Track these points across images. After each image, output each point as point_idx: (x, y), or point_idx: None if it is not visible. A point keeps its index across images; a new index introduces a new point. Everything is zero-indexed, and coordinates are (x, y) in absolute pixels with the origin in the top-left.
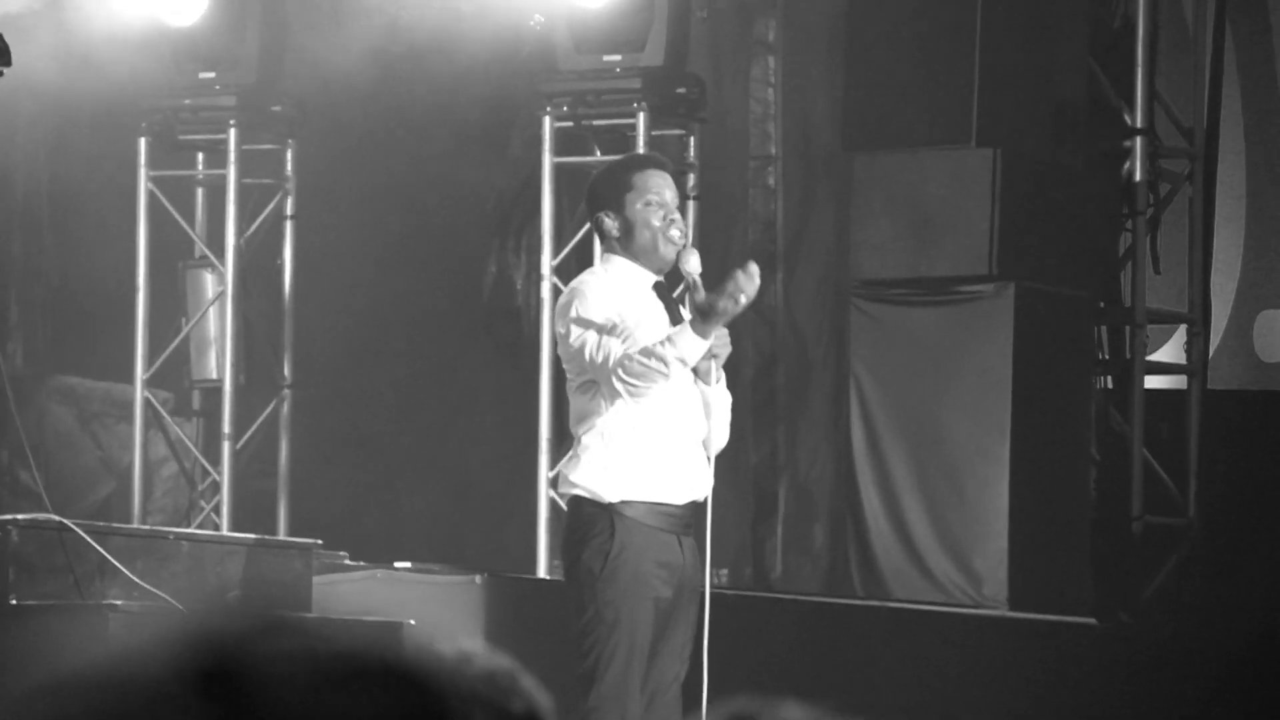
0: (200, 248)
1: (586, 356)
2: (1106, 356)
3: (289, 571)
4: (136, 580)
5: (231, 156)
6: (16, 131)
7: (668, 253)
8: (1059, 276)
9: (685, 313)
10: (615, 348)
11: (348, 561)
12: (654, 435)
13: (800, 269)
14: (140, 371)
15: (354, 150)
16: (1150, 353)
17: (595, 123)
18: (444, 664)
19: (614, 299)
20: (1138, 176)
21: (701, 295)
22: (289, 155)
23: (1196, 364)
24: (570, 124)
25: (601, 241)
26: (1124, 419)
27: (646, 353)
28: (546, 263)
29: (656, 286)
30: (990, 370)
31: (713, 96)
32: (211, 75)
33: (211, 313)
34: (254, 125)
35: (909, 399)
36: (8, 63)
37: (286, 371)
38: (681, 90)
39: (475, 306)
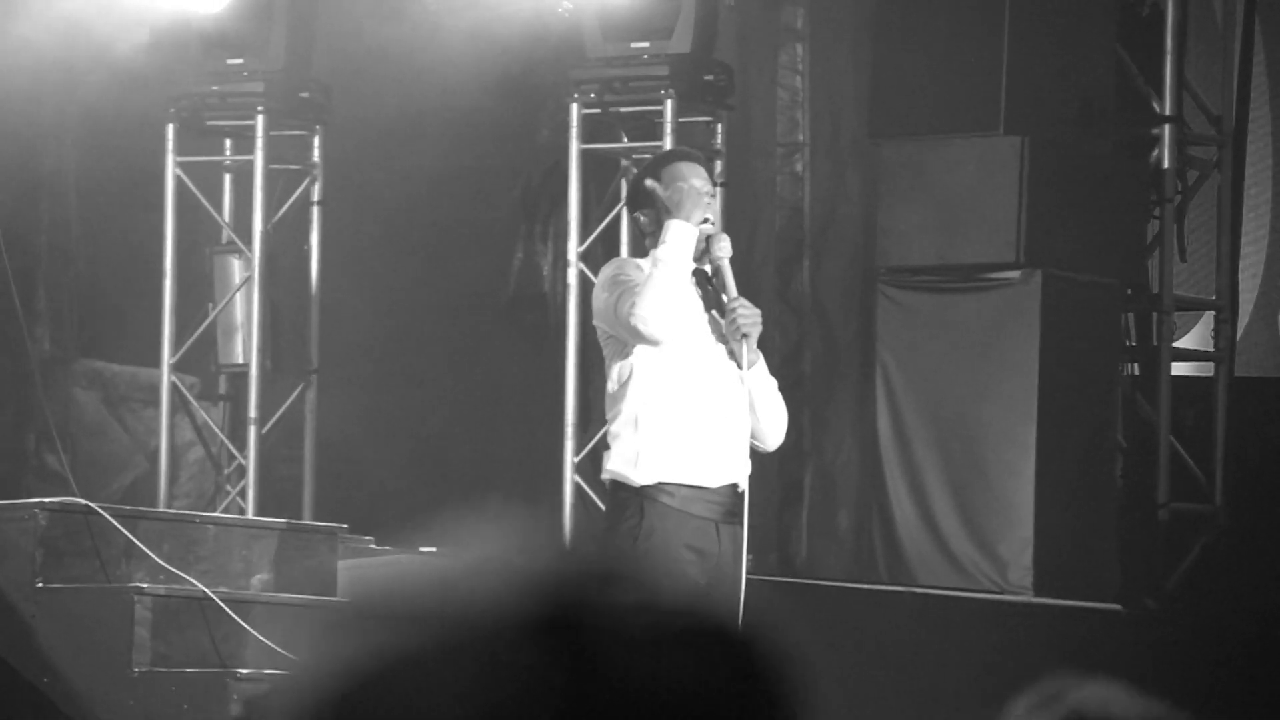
0: (228, 233)
1: (615, 312)
2: (1133, 343)
3: (314, 556)
4: (163, 564)
5: (259, 142)
6: (44, 118)
7: (696, 211)
8: (1086, 264)
9: (725, 298)
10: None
11: (373, 546)
12: (686, 419)
13: (827, 256)
14: (167, 356)
15: (381, 136)
16: (1176, 339)
17: (623, 110)
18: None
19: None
20: (1166, 164)
21: (729, 281)
22: (316, 141)
23: (1224, 351)
24: (598, 111)
25: (647, 240)
26: (1151, 406)
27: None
28: (573, 249)
29: (696, 274)
30: (1017, 357)
31: (740, 84)
32: (239, 61)
33: (238, 298)
34: (281, 111)
35: (935, 386)
36: None
37: (313, 356)
38: (709, 77)
39: (502, 292)
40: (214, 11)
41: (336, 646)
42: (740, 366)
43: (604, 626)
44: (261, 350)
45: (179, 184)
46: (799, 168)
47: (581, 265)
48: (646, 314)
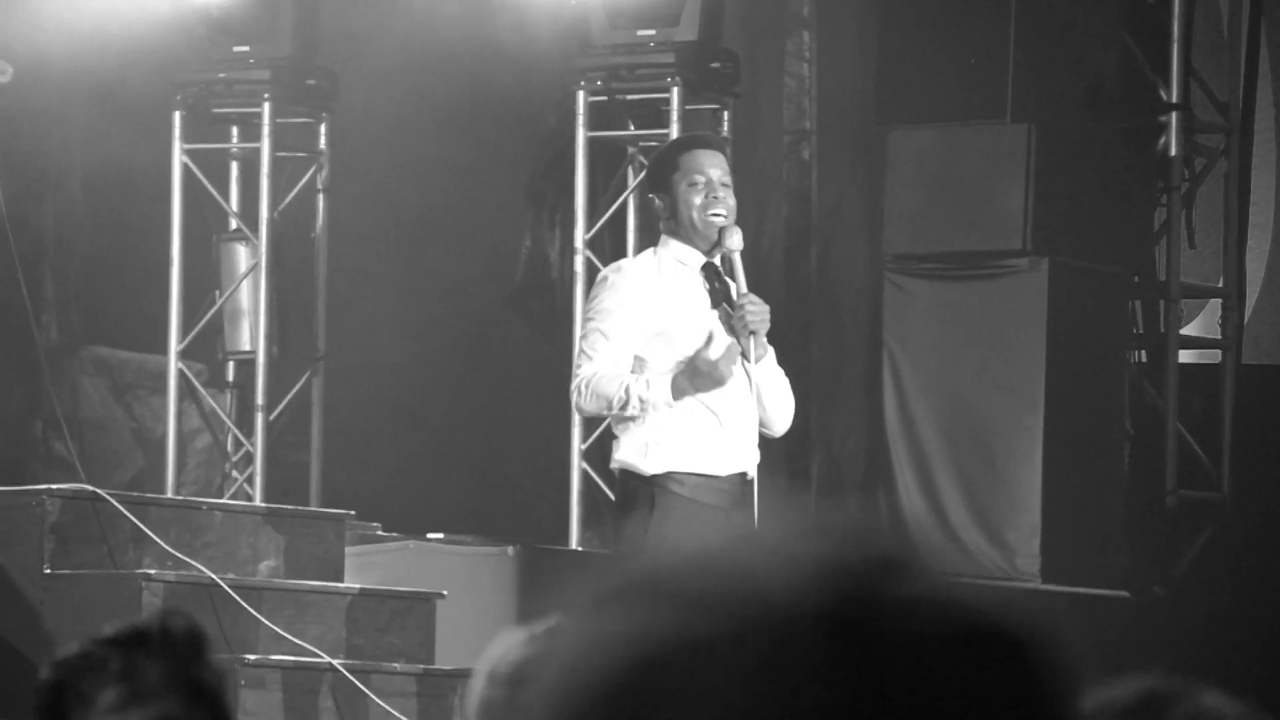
0: (234, 221)
1: (577, 361)
2: (1140, 331)
3: (322, 542)
4: (170, 550)
5: (266, 130)
6: (50, 106)
7: (709, 231)
8: (1093, 251)
9: (733, 292)
10: (588, 369)
11: (380, 533)
12: (696, 408)
13: (834, 243)
14: (174, 343)
15: (388, 124)
16: (1182, 327)
17: (629, 97)
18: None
19: (638, 292)
20: (1172, 151)
21: (740, 274)
22: (323, 129)
23: (1231, 338)
24: (604, 98)
25: (661, 224)
26: (1158, 393)
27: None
28: (580, 237)
29: (706, 267)
30: (1024, 344)
31: (747, 71)
32: (246, 49)
33: (245, 285)
34: (288, 99)
35: (942, 373)
36: None
37: (320, 344)
38: (715, 65)
39: (509, 280)
40: None
41: (616, 619)
42: (749, 361)
43: (891, 620)
44: (268, 337)
45: (185, 171)
46: (806, 155)
47: (588, 253)
48: (582, 406)
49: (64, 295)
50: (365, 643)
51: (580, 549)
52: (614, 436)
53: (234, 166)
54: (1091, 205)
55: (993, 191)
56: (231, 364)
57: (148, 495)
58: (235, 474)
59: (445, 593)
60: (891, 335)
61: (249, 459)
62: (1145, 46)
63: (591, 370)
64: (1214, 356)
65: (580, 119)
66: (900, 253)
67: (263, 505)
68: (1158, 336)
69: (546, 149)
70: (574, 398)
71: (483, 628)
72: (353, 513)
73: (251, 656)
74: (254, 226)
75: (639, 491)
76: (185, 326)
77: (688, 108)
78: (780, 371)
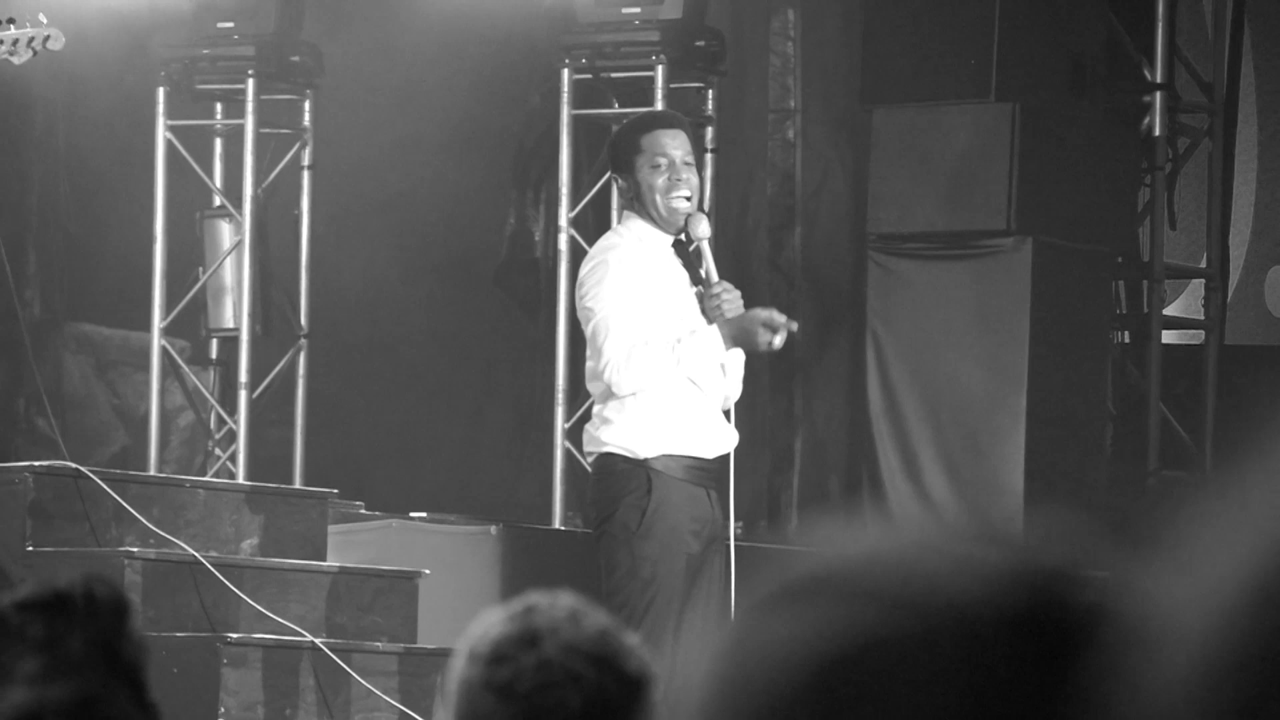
0: (218, 197)
1: (590, 337)
2: (1124, 311)
3: (304, 521)
4: (152, 528)
5: (250, 106)
6: (33, 82)
7: (674, 218)
8: (1077, 231)
9: (702, 273)
10: (617, 346)
11: (363, 511)
12: (683, 391)
13: (819, 223)
14: (157, 320)
15: (372, 101)
16: (1165, 307)
17: (614, 75)
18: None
19: (636, 271)
20: (1156, 131)
21: (709, 262)
22: (307, 105)
23: (1214, 319)
24: (589, 76)
25: (620, 200)
26: (1141, 373)
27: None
28: (564, 215)
29: (675, 245)
30: (1008, 324)
31: (732, 50)
32: (230, 25)
33: (229, 262)
34: (272, 75)
35: (926, 353)
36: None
37: (303, 321)
38: (700, 43)
39: (494, 258)
40: None
41: (806, 617)
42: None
43: (1074, 627)
44: (252, 315)
45: (169, 147)
46: (790, 134)
47: (573, 231)
48: (621, 382)
49: (47, 272)
50: (347, 621)
51: (563, 528)
52: (595, 420)
53: (218, 143)
54: (1076, 185)
55: (977, 171)
56: (215, 341)
57: (130, 473)
58: (218, 452)
59: (428, 571)
60: (875, 315)
61: (232, 437)
62: (1130, 26)
63: (623, 348)
64: (1197, 337)
65: (565, 97)
66: (884, 232)
67: (245, 483)
68: (1141, 317)
69: (531, 127)
70: (612, 376)
71: (465, 607)
72: (335, 491)
73: (233, 635)
74: (238, 203)
75: (631, 475)
76: (168, 303)
77: (672, 86)
78: (743, 357)
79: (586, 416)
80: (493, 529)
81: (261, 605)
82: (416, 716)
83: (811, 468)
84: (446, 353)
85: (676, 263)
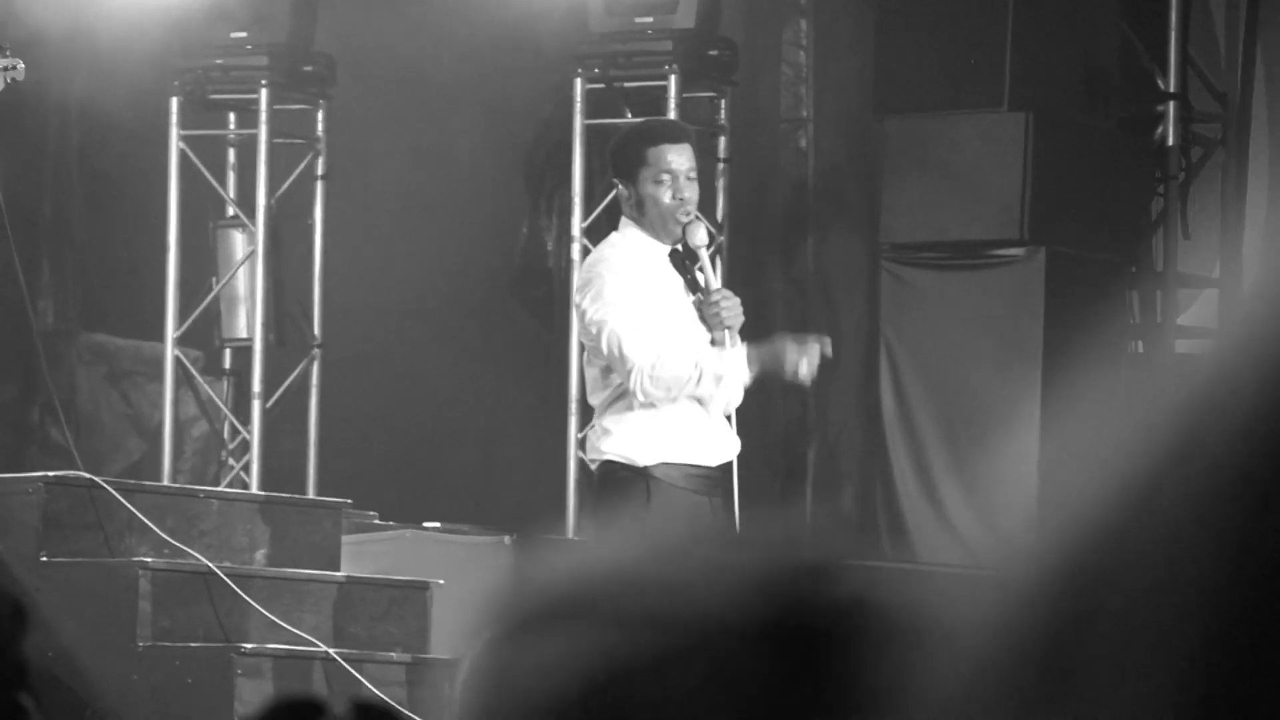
0: (231, 207)
1: (605, 349)
2: (1137, 320)
3: (318, 531)
4: (166, 538)
5: (263, 116)
6: (48, 92)
7: (675, 230)
8: (1091, 241)
9: (701, 281)
10: (641, 356)
11: (377, 521)
12: (684, 400)
13: (832, 232)
14: (171, 330)
15: (385, 111)
16: (1179, 317)
17: (627, 85)
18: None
19: (634, 278)
20: (1170, 141)
21: (708, 269)
22: (320, 115)
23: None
24: (602, 86)
25: (624, 207)
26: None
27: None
28: (577, 224)
29: (672, 255)
30: (1021, 334)
31: (744, 59)
32: (243, 35)
33: (242, 272)
34: (285, 85)
35: (939, 362)
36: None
37: (316, 331)
38: (713, 53)
39: (506, 267)
40: None
41: (554, 643)
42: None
43: (823, 626)
44: (265, 325)
45: (183, 157)
46: (803, 143)
47: (585, 240)
48: (651, 392)
49: (61, 282)
50: (361, 631)
51: (577, 538)
52: (599, 431)
53: (231, 153)
54: (1089, 195)
55: (990, 180)
56: (228, 351)
57: (144, 483)
58: (232, 462)
59: (441, 581)
60: (889, 324)
61: (245, 447)
62: (1143, 36)
63: (647, 356)
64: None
65: (578, 106)
66: (897, 242)
67: (259, 493)
68: (1154, 326)
69: (544, 136)
70: (641, 383)
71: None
72: (349, 501)
73: (247, 645)
74: (251, 213)
75: (632, 483)
76: (182, 313)
77: (685, 95)
78: (742, 350)
79: None
80: (507, 539)
81: (275, 615)
82: None
83: (824, 477)
84: (459, 362)
85: (673, 272)
